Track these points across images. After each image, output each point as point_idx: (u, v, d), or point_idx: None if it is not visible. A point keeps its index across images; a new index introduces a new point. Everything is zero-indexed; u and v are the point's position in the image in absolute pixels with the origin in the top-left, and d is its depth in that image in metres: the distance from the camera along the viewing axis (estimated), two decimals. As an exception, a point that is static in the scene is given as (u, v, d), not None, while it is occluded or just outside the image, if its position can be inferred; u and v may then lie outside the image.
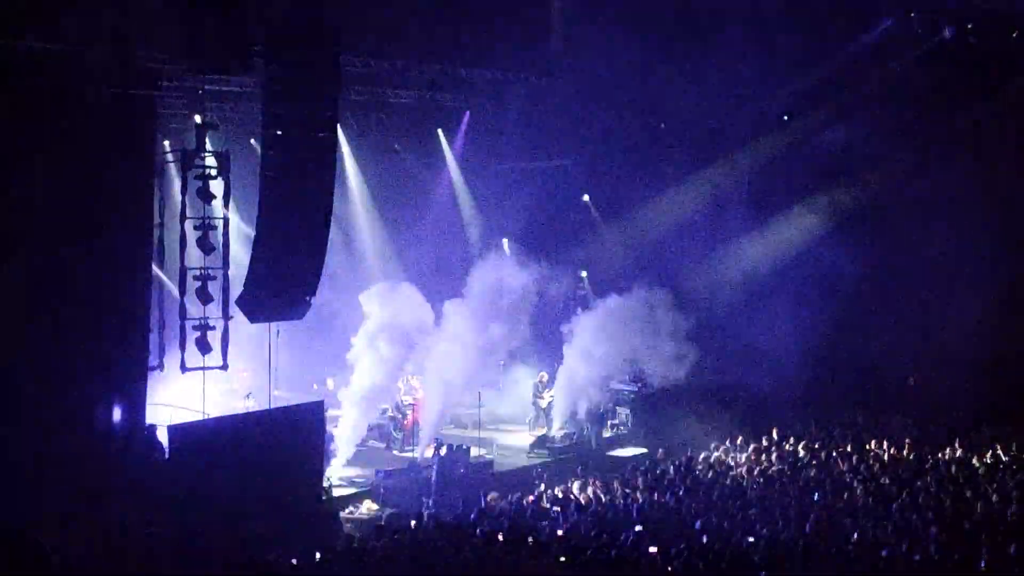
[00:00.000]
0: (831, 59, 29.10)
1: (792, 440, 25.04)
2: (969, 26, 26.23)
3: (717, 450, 24.77)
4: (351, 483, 23.28)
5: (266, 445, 20.74)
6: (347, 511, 22.04)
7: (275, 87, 20.25)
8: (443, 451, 23.79)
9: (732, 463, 23.55)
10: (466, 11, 26.26)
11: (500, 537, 17.46)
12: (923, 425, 26.26)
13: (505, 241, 30.53)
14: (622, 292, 27.89)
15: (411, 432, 26.29)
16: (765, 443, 25.05)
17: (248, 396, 25.29)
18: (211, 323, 20.98)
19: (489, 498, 21.40)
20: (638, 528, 17.93)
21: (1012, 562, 15.94)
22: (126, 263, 20.27)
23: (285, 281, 21.15)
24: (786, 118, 30.76)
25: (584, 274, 31.72)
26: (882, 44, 28.21)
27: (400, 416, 26.53)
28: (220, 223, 21.20)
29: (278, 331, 23.15)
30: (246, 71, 20.80)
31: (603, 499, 20.96)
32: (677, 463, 23.40)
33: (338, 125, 21.96)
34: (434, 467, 23.58)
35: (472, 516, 19.69)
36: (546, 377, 28.28)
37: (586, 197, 32.12)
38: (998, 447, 23.47)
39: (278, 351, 23.38)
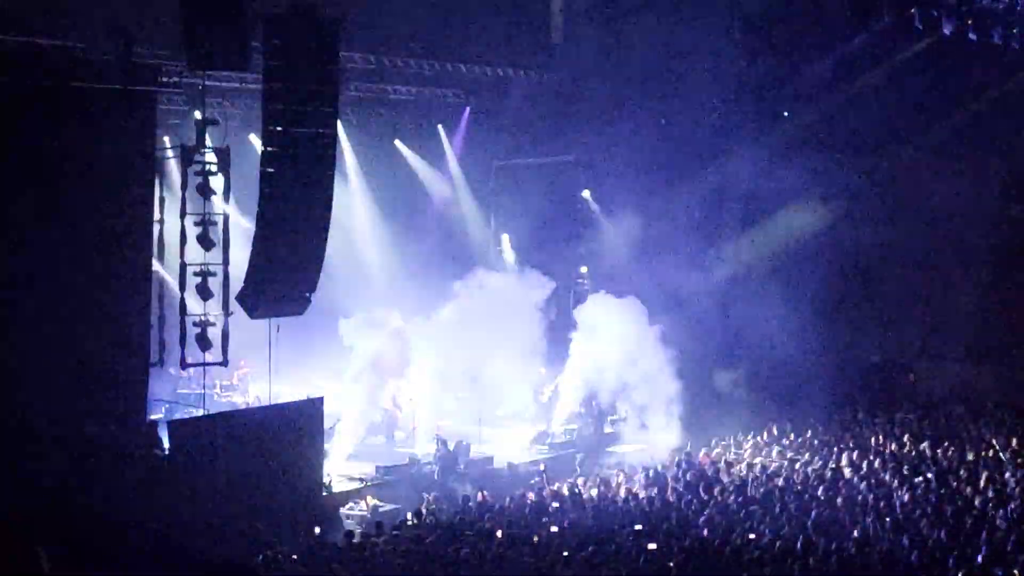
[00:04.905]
0: (831, 54, 29.10)
1: (793, 436, 25.04)
2: (969, 21, 26.22)
3: (718, 446, 24.79)
4: (351, 479, 23.26)
5: (266, 441, 20.77)
6: (347, 507, 22.04)
7: (275, 83, 20.24)
8: (443, 447, 23.80)
9: (733, 459, 23.55)
10: (466, 7, 26.25)
11: (499, 533, 17.48)
12: (923, 420, 26.27)
13: (505, 237, 30.47)
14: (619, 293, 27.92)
15: (411, 428, 26.32)
16: (766, 439, 25.07)
17: (248, 391, 25.34)
18: (211, 319, 20.99)
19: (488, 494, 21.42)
20: (638, 525, 17.94)
21: (1010, 558, 15.95)
22: (126, 259, 20.25)
23: (285, 277, 21.15)
24: (786, 114, 30.75)
25: (584, 270, 31.71)
26: (882, 39, 28.21)
27: (398, 412, 26.55)
28: (220, 219, 21.19)
29: (278, 327, 23.13)
30: (246, 67, 20.79)
31: (604, 495, 20.98)
32: (678, 459, 23.40)
33: (338, 121, 21.96)
34: (435, 463, 23.60)
35: (473, 512, 19.72)
36: (545, 372, 28.28)
37: (586, 193, 32.06)
38: (997, 443, 23.47)
39: (278, 346, 23.36)
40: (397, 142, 29.92)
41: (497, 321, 26.18)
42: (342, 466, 23.52)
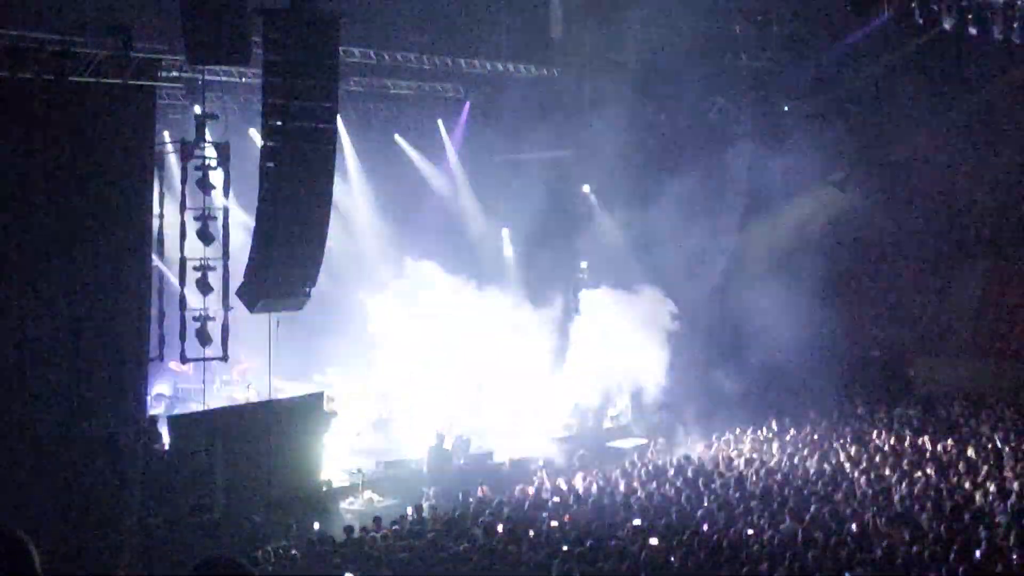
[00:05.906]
0: (831, 49, 29.09)
1: (793, 430, 25.03)
2: (969, 16, 26.18)
3: (717, 441, 24.78)
4: (351, 474, 23.26)
5: (265, 436, 20.77)
6: (347, 501, 22.05)
7: (275, 77, 20.23)
8: (439, 441, 23.80)
9: (733, 454, 23.55)
10: (466, 2, 26.22)
11: (499, 528, 17.48)
12: (923, 415, 26.27)
13: (505, 232, 30.46)
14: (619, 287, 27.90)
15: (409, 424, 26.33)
16: (766, 434, 25.05)
17: (248, 386, 25.31)
18: (211, 314, 20.99)
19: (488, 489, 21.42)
20: (637, 520, 17.93)
21: (1009, 553, 15.94)
22: (126, 254, 20.27)
23: (285, 272, 21.15)
24: (786, 108, 30.74)
25: (584, 264, 31.69)
26: (882, 34, 28.19)
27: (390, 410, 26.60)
28: (220, 214, 21.20)
29: (278, 322, 23.13)
30: (246, 62, 20.78)
31: (604, 490, 20.97)
32: (678, 454, 23.39)
33: (338, 115, 21.95)
34: (434, 458, 23.59)
35: (472, 506, 19.72)
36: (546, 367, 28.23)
37: (586, 187, 32.03)
38: (997, 437, 23.46)
39: (278, 342, 23.36)
40: (397, 136, 29.92)
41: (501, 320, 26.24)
42: (342, 461, 23.52)
